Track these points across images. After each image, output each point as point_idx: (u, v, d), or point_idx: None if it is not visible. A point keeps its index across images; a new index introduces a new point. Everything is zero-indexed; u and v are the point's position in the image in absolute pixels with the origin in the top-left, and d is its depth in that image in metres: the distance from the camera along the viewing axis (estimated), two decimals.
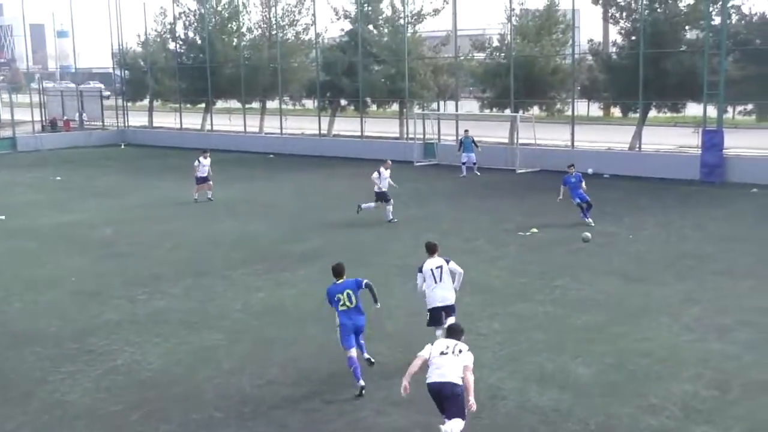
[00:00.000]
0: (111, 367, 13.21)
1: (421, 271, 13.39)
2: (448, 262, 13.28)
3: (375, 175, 24.39)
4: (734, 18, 32.96)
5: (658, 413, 11.04)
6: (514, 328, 14.72)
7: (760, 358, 12.95)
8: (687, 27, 35.50)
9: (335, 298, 12.50)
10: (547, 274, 18.25)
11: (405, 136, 43.15)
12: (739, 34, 32.87)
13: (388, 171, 24.63)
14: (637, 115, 36.48)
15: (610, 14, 36.87)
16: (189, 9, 52.82)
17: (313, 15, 46.95)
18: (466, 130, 35.19)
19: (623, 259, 19.41)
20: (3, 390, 12.45)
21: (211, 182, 29.29)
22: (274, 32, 49.07)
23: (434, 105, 44.08)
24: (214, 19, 51.74)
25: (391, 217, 23.91)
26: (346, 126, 47.17)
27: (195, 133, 52.20)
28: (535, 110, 40.89)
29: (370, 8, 44.92)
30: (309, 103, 50.79)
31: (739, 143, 34.20)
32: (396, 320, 15.26)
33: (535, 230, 22.51)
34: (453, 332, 10.49)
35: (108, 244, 22.40)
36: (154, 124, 56.65)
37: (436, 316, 13.08)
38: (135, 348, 14.08)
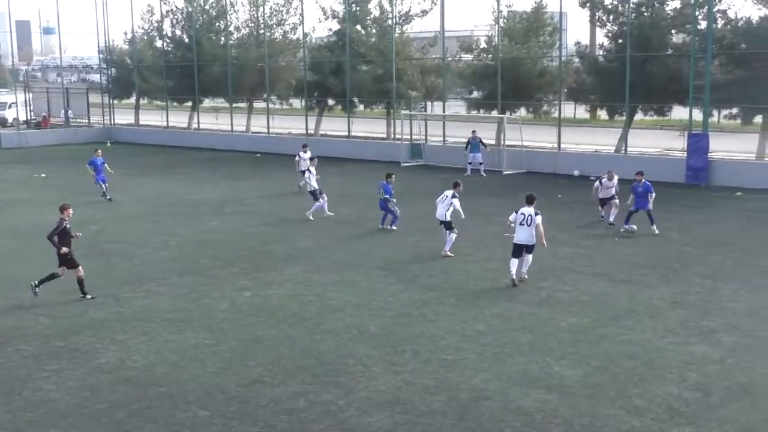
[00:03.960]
0: (96, 366, 13.17)
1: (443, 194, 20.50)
2: (454, 196, 20.20)
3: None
4: (720, 22, 33.13)
5: (642, 415, 11.09)
6: (499, 329, 14.76)
7: (743, 360, 13.04)
8: (673, 31, 35.70)
9: (379, 189, 23.13)
10: (532, 275, 18.29)
11: (392, 136, 43.18)
12: (724, 39, 33.05)
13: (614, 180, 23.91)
14: (624, 117, 36.65)
15: (597, 17, 37.03)
16: (176, 7, 52.79)
17: (301, 15, 47.14)
18: (474, 131, 35.28)
19: (609, 262, 19.50)
20: None
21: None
22: (261, 31, 48.99)
23: (421, 106, 44.13)
24: (201, 18, 51.61)
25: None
26: (334, 126, 47.17)
27: (181, 131, 52.06)
28: (522, 112, 41.03)
29: (358, 8, 44.94)
30: (296, 103, 50.72)
31: (724, 147, 34.42)
32: (381, 320, 15.27)
33: None
34: (529, 200, 17.53)
35: (93, 243, 22.29)
36: (141, 122, 56.45)
37: (439, 223, 20.47)
38: (120, 346, 14.04)
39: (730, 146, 35.20)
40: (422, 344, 13.93)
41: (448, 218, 20.20)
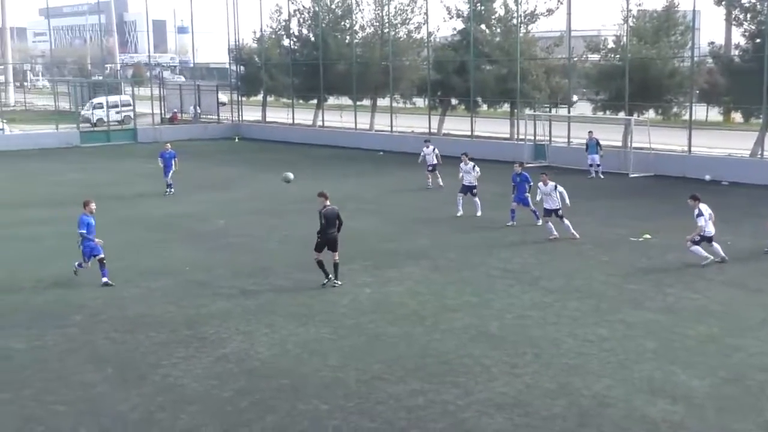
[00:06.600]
0: (221, 355, 13.57)
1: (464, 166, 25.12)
2: (474, 167, 25.32)
3: None
4: None
5: None
6: (623, 335, 14.39)
7: None
8: None
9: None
10: (659, 281, 17.78)
11: (515, 136, 42.74)
12: None
13: None
14: (760, 120, 35.10)
15: (733, 16, 35.58)
16: (303, 6, 53.68)
17: (426, 14, 47.07)
18: (590, 132, 34.59)
19: (742, 269, 18.70)
20: (120, 371, 12.96)
21: (436, 171, 30.69)
22: (386, 30, 49.31)
23: (546, 106, 43.47)
24: (327, 17, 52.37)
25: None
26: (456, 125, 47.04)
27: (306, 128, 53.01)
28: (651, 114, 39.83)
29: (482, 7, 44.63)
30: (419, 102, 50.84)
31: None
32: (500, 322, 15.15)
33: (647, 236, 21.94)
34: (698, 198, 19.24)
35: (220, 236, 22.99)
36: (267, 119, 57.77)
37: (465, 189, 25.32)
38: (244, 337, 14.42)
39: None
40: (543, 347, 13.74)
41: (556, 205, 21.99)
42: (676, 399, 11.62)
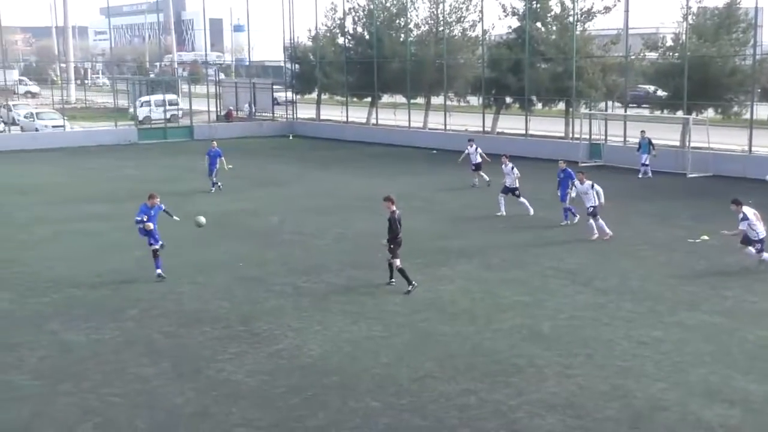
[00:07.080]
0: (274, 351, 13.69)
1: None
2: (513, 169, 24.98)
3: None
4: None
5: None
6: (679, 338, 14.18)
7: None
8: None
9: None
10: (717, 283, 17.47)
11: (570, 135, 42.33)
12: None
13: None
14: None
15: None
16: (358, 4, 53.84)
17: (481, 12, 46.81)
18: (643, 131, 34.10)
19: None
20: (176, 365, 13.16)
21: (481, 170, 30.79)
22: (441, 28, 49.21)
23: (602, 105, 42.98)
24: (382, 15, 52.45)
25: None
26: (511, 124, 46.76)
27: (360, 126, 53.16)
28: (710, 113, 39.14)
29: (538, 5, 44.28)
30: (474, 100, 50.64)
31: None
32: (553, 322, 15.03)
33: (705, 237, 21.56)
34: (740, 203, 18.61)
35: (274, 232, 23.18)
36: (321, 117, 58.08)
37: (506, 190, 25.21)
38: (297, 334, 14.53)
39: None
40: (596, 348, 13.61)
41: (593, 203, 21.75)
42: (733, 403, 11.42)
